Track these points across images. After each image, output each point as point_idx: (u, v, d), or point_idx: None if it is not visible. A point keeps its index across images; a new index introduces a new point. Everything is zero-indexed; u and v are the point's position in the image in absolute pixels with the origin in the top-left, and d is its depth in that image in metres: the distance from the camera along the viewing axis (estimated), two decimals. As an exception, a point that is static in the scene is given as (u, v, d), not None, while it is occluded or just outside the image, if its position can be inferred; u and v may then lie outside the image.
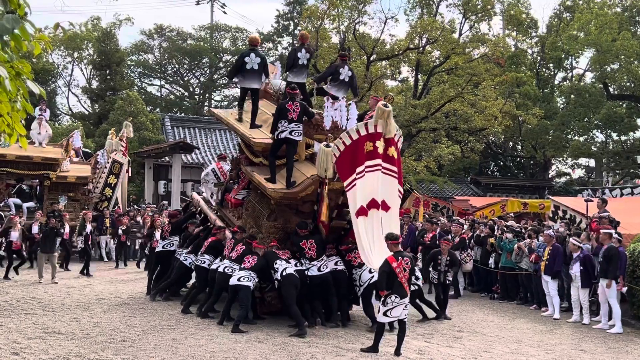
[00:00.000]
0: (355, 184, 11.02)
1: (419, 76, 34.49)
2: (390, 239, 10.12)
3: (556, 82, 47.45)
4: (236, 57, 57.14)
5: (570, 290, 13.98)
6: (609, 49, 35.49)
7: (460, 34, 33.94)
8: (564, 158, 47.96)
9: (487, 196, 38.23)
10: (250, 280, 11.42)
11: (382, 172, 11.06)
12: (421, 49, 31.86)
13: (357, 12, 32.08)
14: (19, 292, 14.35)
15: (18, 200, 20.24)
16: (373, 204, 10.86)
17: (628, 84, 37.73)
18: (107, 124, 36.99)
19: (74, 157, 23.35)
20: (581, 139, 42.97)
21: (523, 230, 17.09)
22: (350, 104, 13.03)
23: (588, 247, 13.99)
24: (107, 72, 45.43)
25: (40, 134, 21.71)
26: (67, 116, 52.57)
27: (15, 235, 17.21)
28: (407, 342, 10.85)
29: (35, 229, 17.82)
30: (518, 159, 49.60)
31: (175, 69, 60.36)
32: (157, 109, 54.62)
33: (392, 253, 9.90)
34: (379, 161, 10.98)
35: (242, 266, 11.61)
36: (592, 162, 49.78)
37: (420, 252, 17.00)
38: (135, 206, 27.13)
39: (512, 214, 23.34)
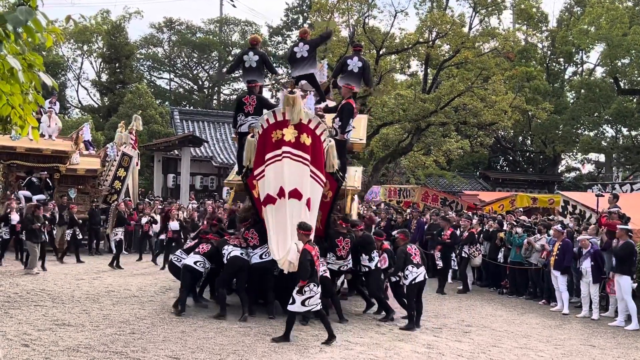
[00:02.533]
0: (264, 174, 11.19)
1: (429, 70, 34.31)
2: (302, 228, 10.21)
3: (566, 76, 47.25)
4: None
5: (580, 286, 13.93)
6: (619, 44, 35.26)
7: (470, 28, 33.71)
8: (574, 153, 47.78)
9: (496, 191, 38.17)
10: (200, 265, 12.02)
11: (292, 159, 11.02)
12: (431, 42, 31.64)
13: (367, 6, 31.91)
14: (28, 284, 14.41)
15: (28, 193, 20.29)
16: (281, 192, 10.90)
17: (639, 78, 37.50)
18: (117, 117, 37.03)
19: (84, 150, 23.40)
20: (591, 133, 42.75)
21: (533, 225, 17.04)
22: (308, 94, 12.96)
23: (596, 242, 13.94)
24: (117, 65, 45.50)
25: (50, 127, 21.76)
26: (77, 109, 52.76)
27: (15, 218, 17.54)
28: (416, 336, 10.88)
29: (15, 217, 17.78)
30: (527, 154, 49.42)
31: (184, 63, 60.37)
32: (166, 102, 54.67)
33: (307, 242, 10.03)
34: (287, 149, 11.01)
35: (197, 251, 12.33)
36: (602, 157, 49.53)
37: (439, 251, 16.55)
38: (147, 199, 27.16)
39: (521, 209, 23.27)
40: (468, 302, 15.06)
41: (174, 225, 18.43)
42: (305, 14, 54.31)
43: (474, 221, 18.60)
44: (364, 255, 12.15)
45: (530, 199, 26.00)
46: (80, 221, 19.65)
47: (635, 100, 40.96)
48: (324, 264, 11.56)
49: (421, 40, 31.44)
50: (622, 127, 43.33)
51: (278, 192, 10.96)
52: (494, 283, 17.45)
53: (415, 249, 11.99)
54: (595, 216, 17.29)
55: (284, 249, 10.57)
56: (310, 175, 11.11)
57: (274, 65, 14.20)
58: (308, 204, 10.96)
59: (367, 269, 12.16)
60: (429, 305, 13.89)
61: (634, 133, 44.36)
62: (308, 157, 11.11)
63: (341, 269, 12.22)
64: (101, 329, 10.12)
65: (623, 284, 12.56)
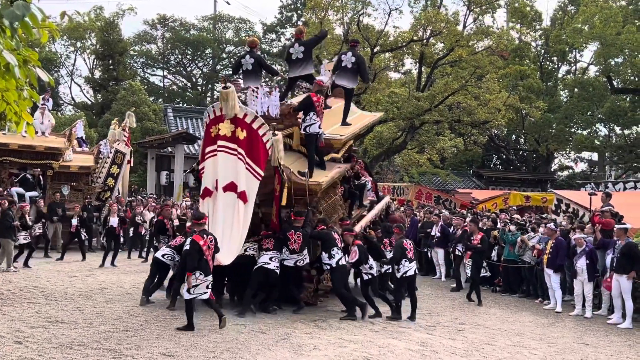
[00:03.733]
0: (204, 169, 11.61)
1: (423, 68, 34.35)
2: (195, 218, 10.58)
3: (560, 75, 47.37)
4: (239, 48, 56.95)
5: (573, 284, 13.96)
6: (613, 43, 35.37)
7: (464, 27, 33.77)
8: (567, 152, 47.94)
9: (489, 189, 38.25)
10: (168, 257, 12.62)
11: (227, 153, 11.25)
12: (425, 41, 31.71)
13: (361, 4, 31.94)
14: (21, 281, 14.36)
15: (21, 190, 20.20)
16: (216, 186, 11.19)
17: (632, 77, 37.65)
18: (110, 114, 36.96)
19: (77, 147, 23.32)
20: (584, 132, 42.89)
21: (527, 223, 17.08)
22: (272, 91, 13.04)
23: (590, 240, 13.97)
24: (110, 62, 45.41)
25: (43, 124, 21.66)
26: (70, 106, 52.61)
27: None
28: (410, 334, 10.90)
29: None
30: (521, 152, 49.54)
31: (178, 60, 60.26)
32: (160, 100, 54.57)
33: (198, 232, 10.24)
34: (223, 143, 11.26)
35: (169, 244, 12.92)
36: (595, 156, 49.70)
37: (470, 258, 15.18)
38: (139, 197, 27.11)
39: (514, 207, 23.34)
40: (461, 300, 15.08)
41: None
42: (299, 12, 54.25)
43: (468, 219, 18.63)
44: (323, 253, 12.01)
45: (524, 198, 26.09)
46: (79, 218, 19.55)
47: (628, 99, 41.11)
48: (268, 255, 11.91)
49: (415, 38, 31.50)
50: (615, 125, 43.52)
51: (214, 185, 11.28)
52: (487, 281, 17.46)
53: (410, 244, 12.38)
54: (589, 215, 17.34)
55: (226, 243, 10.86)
56: (246, 169, 11.27)
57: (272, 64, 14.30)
58: (243, 197, 11.13)
59: (328, 267, 12.03)
60: (423, 303, 13.92)
61: (626, 132, 44.53)
62: (243, 150, 11.28)
63: (297, 263, 12.07)
64: (94, 326, 10.09)
65: (624, 283, 12.60)
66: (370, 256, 12.22)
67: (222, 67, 60.79)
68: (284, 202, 11.90)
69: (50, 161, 21.23)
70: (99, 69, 48.01)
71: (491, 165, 49.41)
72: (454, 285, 16.70)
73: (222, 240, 10.83)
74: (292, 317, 11.66)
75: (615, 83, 39.47)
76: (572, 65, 47.96)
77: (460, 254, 16.79)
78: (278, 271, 11.93)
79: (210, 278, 10.23)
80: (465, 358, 9.50)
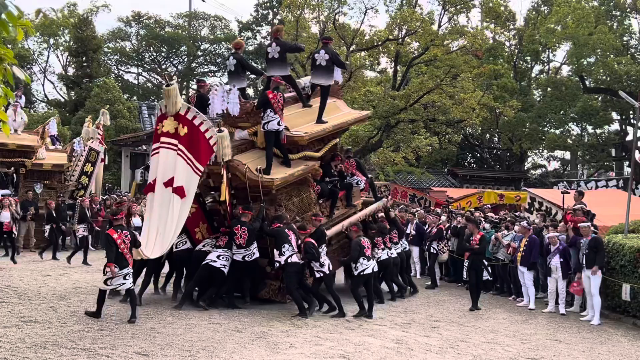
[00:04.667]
0: (150, 165, 11.88)
1: (398, 67, 34.51)
2: (111, 213, 11.12)
3: (533, 74, 47.83)
4: (214, 45, 56.53)
5: (547, 282, 14.10)
6: (585, 43, 35.78)
7: (439, 26, 34.03)
8: (540, 150, 48.40)
9: (463, 187, 38.51)
10: None
11: (168, 149, 11.43)
12: (400, 40, 31.89)
13: (337, 2, 32.05)
14: (-6, 280, 14.20)
15: (-6, 188, 20.01)
16: (157, 181, 11.35)
17: (604, 77, 38.12)
18: (84, 112, 36.60)
19: (50, 144, 23.09)
20: (557, 131, 43.35)
21: (501, 221, 17.22)
22: (230, 90, 13.17)
23: (563, 238, 14.14)
24: (84, 59, 44.88)
25: (16, 121, 21.40)
26: (43, 103, 51.94)
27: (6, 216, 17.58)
28: (385, 331, 10.96)
29: (5, 215, 17.59)
30: (495, 151, 49.94)
31: (152, 57, 59.78)
32: (134, 97, 54.13)
33: (115, 227, 10.66)
34: (165, 139, 11.46)
35: None
36: (567, 155, 50.30)
37: (467, 259, 14.20)
38: (114, 195, 26.89)
39: (489, 206, 23.52)
40: (436, 297, 15.20)
41: (136, 221, 18.34)
42: (275, 10, 54.17)
43: (443, 217, 18.78)
44: (275, 250, 12.06)
45: (498, 196, 26.31)
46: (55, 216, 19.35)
47: (600, 98, 41.64)
48: (216, 253, 12.18)
49: (391, 37, 31.64)
50: (588, 125, 44.02)
51: (155, 180, 11.42)
52: (461, 279, 17.59)
53: (367, 242, 12.50)
54: (561, 213, 17.55)
55: (147, 237, 11.05)
56: (186, 164, 11.37)
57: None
58: (180, 192, 11.24)
59: (278, 264, 12.08)
60: (398, 301, 14.06)
61: (598, 131, 45.13)
62: (183, 146, 11.39)
63: (245, 258, 12.14)
64: (69, 326, 10.02)
65: (594, 278, 12.77)
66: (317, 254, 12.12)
67: (197, 65, 60.46)
68: (222, 198, 12.04)
69: (23, 159, 21.01)
70: (73, 66, 47.47)
71: (465, 164, 49.72)
72: (429, 282, 16.80)
73: (156, 235, 11.00)
74: (268, 315, 11.68)
75: (587, 83, 39.93)
76: (545, 64, 48.49)
77: (435, 251, 16.91)
78: (225, 270, 12.07)
79: (126, 270, 10.60)
80: (440, 355, 9.57)
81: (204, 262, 12.11)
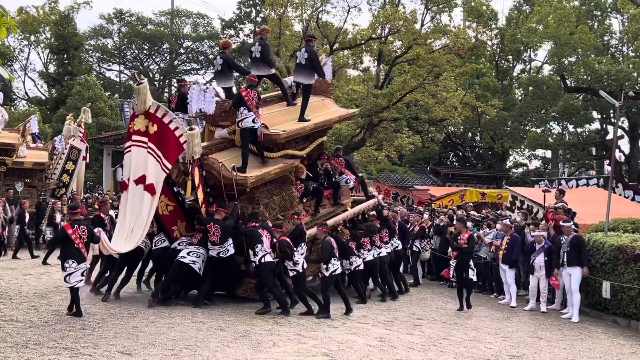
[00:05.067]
0: (124, 164, 12.05)
1: (381, 66, 34.59)
2: (70, 208, 11.32)
3: (515, 74, 48.12)
4: (197, 43, 56.33)
5: (529, 279, 14.18)
6: (566, 42, 36.05)
7: (422, 25, 34.21)
8: (522, 149, 48.73)
9: (446, 186, 38.69)
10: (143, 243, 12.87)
11: (139, 147, 11.57)
12: (383, 39, 31.97)
13: (321, 1, 32.08)
14: (-26, 279, 14.08)
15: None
16: (129, 179, 11.51)
17: (585, 76, 38.42)
18: (65, 109, 36.35)
19: (31, 142, 22.90)
20: (538, 130, 43.67)
21: (484, 220, 17.33)
22: (207, 89, 13.32)
23: (545, 236, 14.23)
24: (65, 56, 44.54)
25: (-5, 119, 21.23)
26: (24, 101, 51.54)
27: None
28: (368, 329, 11.00)
29: None
30: (477, 150, 50.22)
31: (134, 55, 59.49)
32: (116, 95, 53.82)
33: (71, 221, 10.88)
34: (136, 137, 11.62)
35: None
36: (548, 154, 50.68)
37: (455, 258, 13.86)
38: (95, 194, 26.75)
39: (471, 204, 23.64)
40: (419, 295, 15.27)
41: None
42: (258, 8, 54.05)
43: (425, 216, 18.86)
44: (250, 249, 12.09)
45: (480, 194, 26.43)
46: (28, 215, 19.21)
47: (580, 98, 41.99)
48: (187, 249, 12.24)
49: (374, 36, 31.71)
50: (568, 124, 44.40)
51: (128, 178, 11.55)
52: (443, 277, 17.68)
53: (334, 242, 12.33)
54: (543, 211, 17.69)
55: (119, 234, 11.28)
56: (155, 162, 11.50)
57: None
58: (150, 189, 11.35)
59: (254, 264, 12.10)
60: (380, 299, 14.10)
61: (579, 130, 45.52)
62: (153, 144, 11.52)
63: (220, 254, 12.16)
64: (50, 325, 9.95)
65: (574, 276, 12.89)
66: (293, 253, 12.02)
67: (179, 63, 60.24)
68: (187, 195, 12.16)
69: (3, 157, 20.82)
70: (54, 63, 47.11)
71: (448, 162, 49.97)
72: (412, 281, 16.87)
73: (129, 232, 11.17)
74: (252, 314, 11.67)
75: (568, 82, 40.25)
76: (527, 64, 48.83)
77: (417, 250, 16.97)
78: (195, 266, 12.12)
79: (84, 266, 10.82)
80: (423, 353, 9.62)
81: (176, 259, 12.22)
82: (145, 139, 11.49)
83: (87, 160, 25.70)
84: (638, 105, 38.09)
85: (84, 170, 26.25)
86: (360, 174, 17.43)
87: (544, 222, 15.14)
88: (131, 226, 11.26)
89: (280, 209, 13.49)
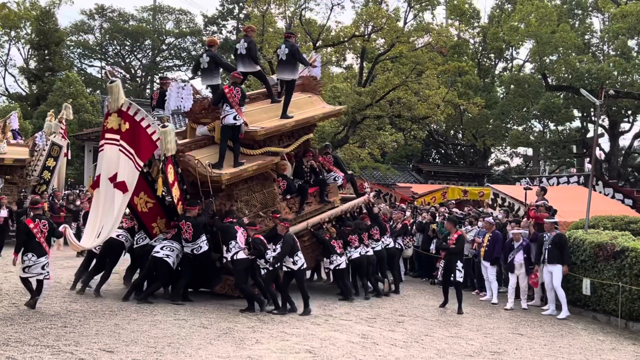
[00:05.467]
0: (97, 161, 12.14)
1: (364, 63, 34.64)
2: (31, 203, 11.78)
3: (497, 72, 48.37)
4: (179, 39, 56.01)
5: (509, 277, 14.26)
6: (548, 41, 36.29)
7: (405, 23, 34.27)
8: (503, 147, 49.03)
9: (428, 183, 38.80)
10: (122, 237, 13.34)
11: (111, 145, 11.62)
12: (366, 36, 32.01)
13: (304, -2, 32.07)
14: (-47, 277, 13.96)
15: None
16: (101, 177, 11.57)
17: (566, 75, 38.72)
18: (46, 106, 36.03)
19: (11, 139, 22.71)
20: (520, 128, 43.94)
21: (466, 217, 17.42)
22: (185, 86, 13.38)
23: (526, 234, 14.34)
24: (46, 52, 44.13)
25: (-25, 115, 21.05)
26: (4, 97, 50.99)
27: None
28: (351, 326, 11.03)
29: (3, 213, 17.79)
30: (459, 147, 50.44)
31: (116, 51, 59.09)
32: (98, 91, 53.32)
33: (32, 216, 11.12)
34: (109, 135, 11.68)
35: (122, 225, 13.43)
36: (530, 151, 51.01)
37: (443, 259, 13.47)
38: (76, 190, 26.57)
39: (453, 201, 23.73)
40: (401, 292, 15.31)
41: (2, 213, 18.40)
42: (241, 4, 53.89)
43: (408, 213, 18.93)
44: (224, 246, 12.11)
45: (462, 192, 26.52)
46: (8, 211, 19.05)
47: (562, 96, 42.31)
48: (161, 244, 12.35)
49: (357, 33, 31.74)
50: (550, 122, 44.68)
51: (100, 176, 11.60)
52: (426, 274, 17.79)
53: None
54: (524, 208, 17.80)
55: (90, 230, 11.33)
56: (127, 160, 11.49)
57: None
58: (122, 187, 11.36)
59: (225, 260, 12.14)
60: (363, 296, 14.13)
61: (560, 128, 45.87)
62: (125, 142, 11.54)
63: (194, 251, 12.22)
64: (32, 323, 9.90)
65: (556, 273, 13.00)
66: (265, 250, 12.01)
67: (161, 59, 59.92)
68: (159, 193, 12.13)
69: (-17, 154, 20.64)
70: (34, 59, 46.63)
71: (430, 160, 50.14)
72: (392, 278, 16.90)
73: (99, 229, 11.23)
74: (234, 311, 11.68)
75: (549, 80, 40.53)
76: (509, 62, 49.09)
77: (400, 247, 17.01)
78: (169, 260, 12.17)
79: (43, 259, 10.99)
80: (405, 349, 9.68)
81: (151, 254, 12.31)
82: (117, 137, 11.51)
83: (69, 157, 25.50)
84: (618, 103, 38.44)
85: (65, 167, 26.08)
86: (350, 172, 17.42)
87: (525, 219, 15.24)
88: (101, 223, 11.29)
89: (262, 205, 13.49)
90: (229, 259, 11.88)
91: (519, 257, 13.83)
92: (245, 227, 12.19)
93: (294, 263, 11.93)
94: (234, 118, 12.78)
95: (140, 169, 11.60)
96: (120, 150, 11.42)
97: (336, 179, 15.56)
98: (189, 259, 12.31)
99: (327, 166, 15.66)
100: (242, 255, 11.81)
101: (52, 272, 15.16)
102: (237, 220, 12.28)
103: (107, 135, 11.63)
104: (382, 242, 15.00)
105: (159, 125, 11.75)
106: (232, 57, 14.76)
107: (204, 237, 12.23)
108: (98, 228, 11.22)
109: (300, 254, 12.08)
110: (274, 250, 12.11)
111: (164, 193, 12.30)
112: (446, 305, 13.49)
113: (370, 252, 14.31)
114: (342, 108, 17.61)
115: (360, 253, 13.99)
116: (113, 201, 11.25)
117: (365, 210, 15.64)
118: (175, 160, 12.14)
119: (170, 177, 11.95)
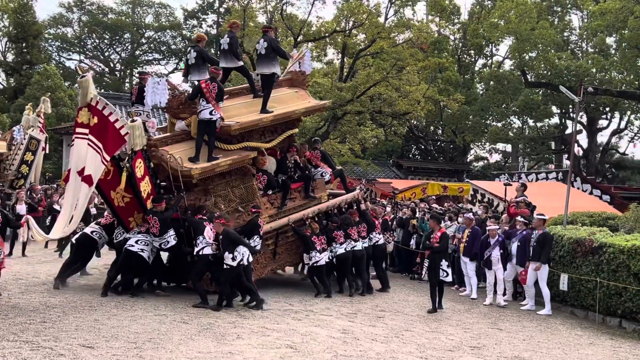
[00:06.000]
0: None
1: (345, 59, 34.66)
2: None
3: (476, 68, 48.61)
4: (159, 33, 55.62)
5: (486, 273, 14.29)
6: (527, 38, 36.54)
7: (386, 19, 34.29)
8: (482, 143, 49.30)
9: (408, 179, 38.95)
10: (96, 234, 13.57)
11: (81, 139, 11.75)
12: (347, 32, 32.01)
13: (285, -8, 31.98)
14: None
15: None
16: (72, 170, 11.72)
17: (545, 72, 39.01)
18: (24, 99, 35.66)
19: (-11, 132, 22.46)
20: (499, 124, 44.20)
21: (446, 213, 17.50)
22: (160, 82, 13.46)
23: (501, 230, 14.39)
24: (24, 45, 43.64)
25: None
26: (-20, 90, 50.38)
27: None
28: (332, 321, 11.06)
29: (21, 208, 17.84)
30: (439, 143, 50.65)
31: (95, 44, 58.59)
32: (76, 85, 52.74)
33: None
34: (79, 130, 11.84)
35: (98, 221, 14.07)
36: (508, 147, 51.36)
37: (427, 257, 13.17)
38: (54, 185, 26.32)
39: (433, 197, 23.86)
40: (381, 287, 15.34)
41: (20, 208, 18.27)
42: (221, -2, 53.63)
43: (388, 209, 18.98)
44: (194, 242, 12.12)
45: (441, 187, 26.68)
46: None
47: (540, 92, 42.62)
48: (135, 238, 12.39)
49: (338, 29, 31.72)
50: (529, 118, 45.01)
51: (71, 170, 11.74)
52: (406, 269, 17.86)
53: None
54: (503, 204, 17.93)
55: (61, 222, 11.49)
56: (95, 154, 11.59)
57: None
58: (88, 180, 11.46)
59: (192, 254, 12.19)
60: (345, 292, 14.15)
61: (539, 124, 46.21)
62: (93, 136, 11.66)
63: (162, 246, 12.29)
64: (10, 318, 9.81)
65: (541, 271, 13.08)
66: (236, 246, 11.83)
67: (141, 53, 59.50)
68: (121, 186, 12.14)
69: (-40, 147, 20.39)
70: (12, 52, 46.09)
71: (410, 156, 50.29)
72: (374, 273, 16.94)
73: (67, 221, 11.43)
74: (240, 306, 11.65)
75: (529, 77, 40.82)
76: (489, 58, 49.38)
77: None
78: (144, 254, 12.25)
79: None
80: (386, 344, 9.71)
81: (124, 248, 12.38)
82: (86, 131, 11.63)
83: (47, 151, 25.24)
84: (596, 100, 38.83)
85: (43, 161, 25.82)
86: (339, 167, 17.36)
87: (505, 215, 15.35)
88: (70, 216, 11.44)
89: (240, 200, 13.45)
90: (195, 253, 11.92)
91: (495, 253, 13.86)
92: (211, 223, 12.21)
93: (233, 259, 11.72)
94: (210, 113, 12.78)
95: (105, 164, 11.67)
96: (88, 144, 11.55)
97: (323, 174, 15.49)
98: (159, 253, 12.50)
99: (315, 161, 15.59)
100: (207, 251, 11.82)
101: (30, 267, 15.14)
102: (209, 216, 12.26)
103: (78, 130, 11.79)
104: (370, 239, 14.79)
105: (128, 119, 11.87)
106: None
107: (171, 232, 12.25)
108: (67, 220, 11.39)
109: (241, 249, 11.79)
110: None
111: (121, 189, 12.33)
112: (425, 302, 13.37)
113: (358, 247, 14.12)
114: (325, 103, 17.52)
115: (345, 249, 13.90)
116: (79, 193, 11.43)
117: (354, 207, 15.50)
118: (146, 154, 12.21)
119: (140, 171, 12.03)
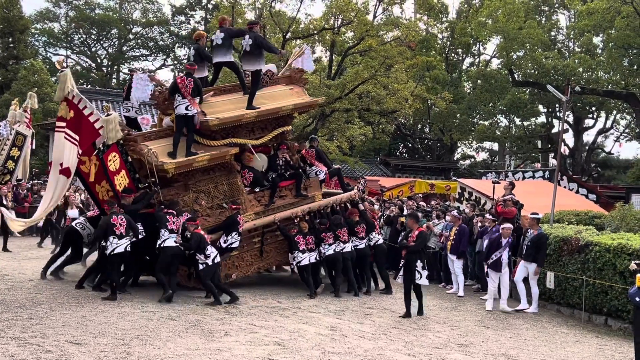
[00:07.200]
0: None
1: (334, 57, 34.66)
2: None
3: (464, 67, 48.76)
4: (146, 29, 55.34)
5: (492, 277, 13.92)
6: (515, 37, 36.67)
7: (374, 17, 34.31)
8: (470, 141, 49.47)
9: (395, 177, 39.05)
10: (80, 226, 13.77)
11: (59, 132, 12.01)
12: (336, 29, 32.02)
13: (274, -11, 31.92)
14: None
15: None
16: (52, 162, 12.13)
17: (532, 71, 39.18)
18: (10, 94, 35.41)
19: (-25, 128, 22.28)
20: (486, 123, 44.38)
21: (433, 210, 17.57)
22: (142, 77, 13.67)
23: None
24: (10, 40, 43.30)
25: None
26: (-35, 85, 49.96)
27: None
28: (320, 319, 11.08)
29: (73, 213, 18.14)
30: (426, 141, 50.79)
31: (82, 39, 58.24)
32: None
33: None
34: (58, 123, 12.11)
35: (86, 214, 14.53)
36: (495, 146, 51.59)
37: (403, 258, 12.18)
38: (40, 181, 26.17)
39: (420, 195, 23.92)
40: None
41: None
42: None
43: (376, 206, 19.02)
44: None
45: (429, 185, 26.75)
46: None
47: (528, 91, 42.85)
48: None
49: (327, 26, 31.72)
50: (515, 117, 45.25)
51: (52, 162, 12.16)
52: (393, 266, 17.87)
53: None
54: (491, 203, 18.01)
55: (41, 210, 12.03)
56: (71, 146, 11.87)
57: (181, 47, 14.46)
58: (66, 172, 11.82)
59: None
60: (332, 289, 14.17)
61: (526, 123, 46.45)
62: (69, 130, 11.93)
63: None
64: (-4, 315, 9.77)
65: (531, 270, 13.14)
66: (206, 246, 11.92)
67: (128, 48, 59.20)
68: (91, 179, 12.53)
69: (-55, 143, 20.22)
70: (-2, 46, 45.81)
71: (397, 154, 50.40)
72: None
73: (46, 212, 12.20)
74: (203, 303, 11.65)
75: (516, 76, 41.01)
76: (476, 57, 49.57)
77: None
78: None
79: None
80: (373, 341, 9.74)
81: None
82: (63, 124, 11.89)
83: (33, 147, 25.08)
84: (583, 99, 39.07)
85: (30, 157, 25.66)
86: (337, 166, 17.20)
87: (488, 215, 15.38)
88: (50, 207, 12.10)
89: (224, 197, 13.40)
90: (157, 246, 11.95)
91: (505, 255, 13.17)
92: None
93: (207, 257, 11.79)
94: (186, 108, 12.79)
95: (78, 156, 11.95)
96: (65, 137, 11.81)
97: (318, 173, 15.29)
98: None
99: (309, 160, 15.41)
100: (169, 242, 11.86)
101: (16, 263, 15.06)
102: (177, 210, 12.30)
103: (58, 123, 12.08)
104: (370, 239, 14.60)
105: (103, 114, 12.11)
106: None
107: (139, 226, 12.27)
108: (46, 211, 12.11)
109: (211, 247, 11.91)
110: (225, 242, 12.57)
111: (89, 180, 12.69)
112: (412, 299, 12.34)
113: (348, 249, 13.85)
114: (316, 100, 17.34)
115: (334, 250, 13.68)
116: (58, 185, 11.85)
117: (350, 207, 15.34)
118: (122, 149, 12.40)
119: (114, 165, 12.27)
